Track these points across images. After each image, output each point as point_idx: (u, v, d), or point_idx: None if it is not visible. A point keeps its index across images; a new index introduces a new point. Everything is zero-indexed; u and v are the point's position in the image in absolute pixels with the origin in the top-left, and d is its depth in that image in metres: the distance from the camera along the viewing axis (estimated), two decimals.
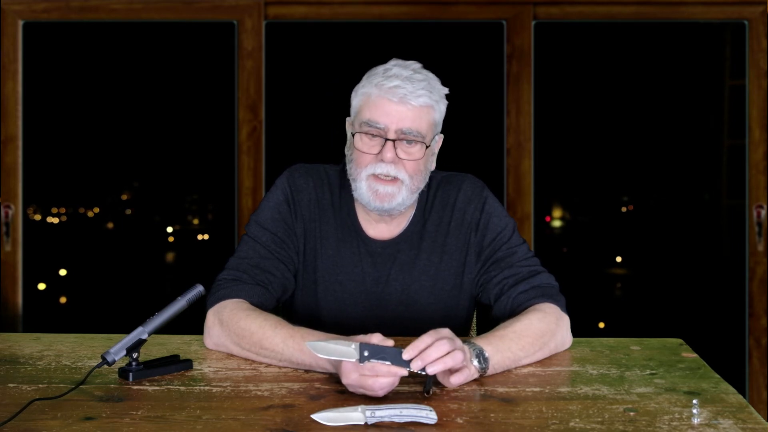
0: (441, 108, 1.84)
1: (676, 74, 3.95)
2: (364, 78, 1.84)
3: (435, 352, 1.44)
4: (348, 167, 1.85)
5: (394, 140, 1.77)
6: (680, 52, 3.92)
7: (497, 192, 2.07)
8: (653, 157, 4.02)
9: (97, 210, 4.32)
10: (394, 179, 1.79)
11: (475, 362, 1.54)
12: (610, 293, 4.20)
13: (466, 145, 3.77)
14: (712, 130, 3.97)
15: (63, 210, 4.23)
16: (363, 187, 1.81)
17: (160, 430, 1.30)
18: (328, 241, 1.90)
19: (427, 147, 1.80)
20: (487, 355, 1.55)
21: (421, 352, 1.44)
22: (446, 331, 1.49)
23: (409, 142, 1.78)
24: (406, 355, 1.43)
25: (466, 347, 1.53)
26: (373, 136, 1.79)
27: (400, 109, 1.77)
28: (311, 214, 1.91)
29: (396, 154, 1.78)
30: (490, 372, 1.57)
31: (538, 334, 1.69)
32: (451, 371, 1.48)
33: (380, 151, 1.78)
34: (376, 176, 1.79)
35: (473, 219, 1.92)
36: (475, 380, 1.55)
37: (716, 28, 3.84)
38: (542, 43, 3.66)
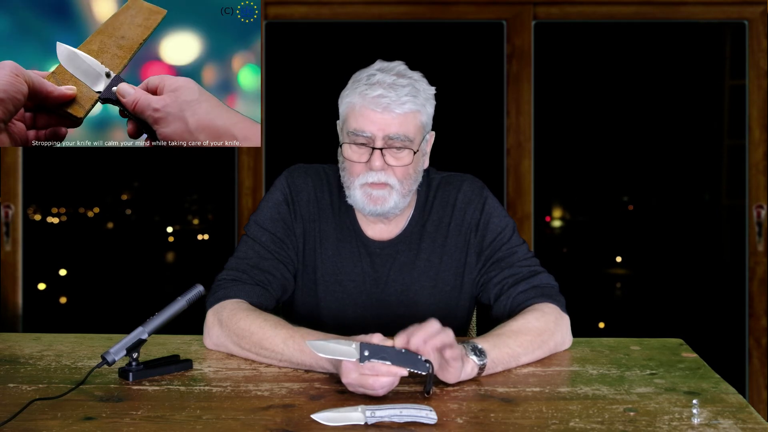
0: (428, 110, 1.83)
1: (676, 74, 3.95)
2: (349, 83, 1.83)
3: (446, 338, 1.45)
4: (341, 174, 1.86)
5: (381, 148, 1.78)
6: (680, 52, 3.92)
7: (497, 192, 2.07)
8: (653, 157, 4.02)
9: (97, 210, 4.32)
10: (385, 184, 1.80)
11: (473, 357, 1.54)
12: (610, 293, 4.20)
13: (466, 145, 3.77)
14: (712, 130, 3.97)
15: (63, 210, 4.24)
16: (357, 195, 1.82)
17: (160, 430, 1.30)
18: (328, 242, 1.90)
19: (415, 152, 1.80)
20: (481, 346, 1.56)
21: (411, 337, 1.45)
22: (433, 321, 1.50)
23: (398, 148, 1.78)
24: (399, 341, 1.43)
25: (461, 346, 1.54)
26: (361, 145, 1.79)
27: (385, 117, 1.76)
28: (310, 214, 1.91)
29: (385, 161, 1.78)
30: (489, 369, 1.57)
31: (536, 333, 1.69)
32: (448, 365, 1.48)
33: (369, 160, 1.79)
34: (369, 184, 1.80)
35: (473, 219, 1.92)
36: (475, 380, 1.55)
37: (716, 28, 3.84)
38: (542, 43, 3.66)
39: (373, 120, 1.77)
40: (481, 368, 1.55)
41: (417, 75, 1.83)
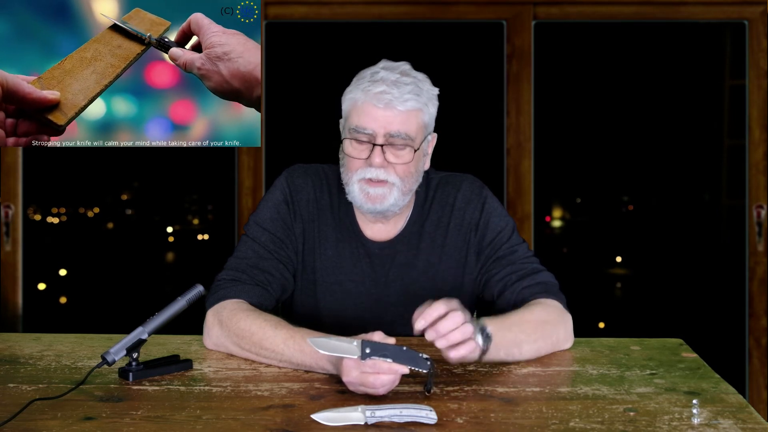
0: (431, 110, 1.83)
1: (676, 74, 3.95)
2: (353, 81, 1.83)
3: (450, 323, 1.45)
4: (341, 171, 1.86)
5: (382, 145, 1.77)
6: (680, 52, 3.92)
7: (497, 192, 2.07)
8: (653, 157, 4.02)
9: (97, 210, 4.32)
10: (384, 181, 1.79)
11: (479, 338, 1.54)
12: (610, 293, 4.20)
13: (466, 145, 3.77)
14: (712, 130, 3.97)
15: (63, 210, 4.24)
16: (355, 191, 1.81)
17: (160, 430, 1.30)
18: (327, 242, 1.90)
19: (416, 150, 1.80)
20: (489, 330, 1.56)
21: (434, 321, 1.45)
22: (456, 303, 1.50)
23: (398, 146, 1.78)
24: (419, 324, 1.44)
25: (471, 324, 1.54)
26: (362, 141, 1.79)
27: (386, 114, 1.76)
28: (310, 214, 1.91)
29: (385, 159, 1.78)
30: (491, 353, 1.57)
31: (540, 322, 1.70)
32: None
33: (369, 156, 1.78)
34: (366, 180, 1.80)
35: (473, 219, 1.92)
36: (475, 381, 1.55)
37: (716, 28, 3.84)
38: (542, 43, 3.66)
39: (375, 116, 1.77)
40: (483, 351, 1.55)
41: (421, 75, 1.83)
